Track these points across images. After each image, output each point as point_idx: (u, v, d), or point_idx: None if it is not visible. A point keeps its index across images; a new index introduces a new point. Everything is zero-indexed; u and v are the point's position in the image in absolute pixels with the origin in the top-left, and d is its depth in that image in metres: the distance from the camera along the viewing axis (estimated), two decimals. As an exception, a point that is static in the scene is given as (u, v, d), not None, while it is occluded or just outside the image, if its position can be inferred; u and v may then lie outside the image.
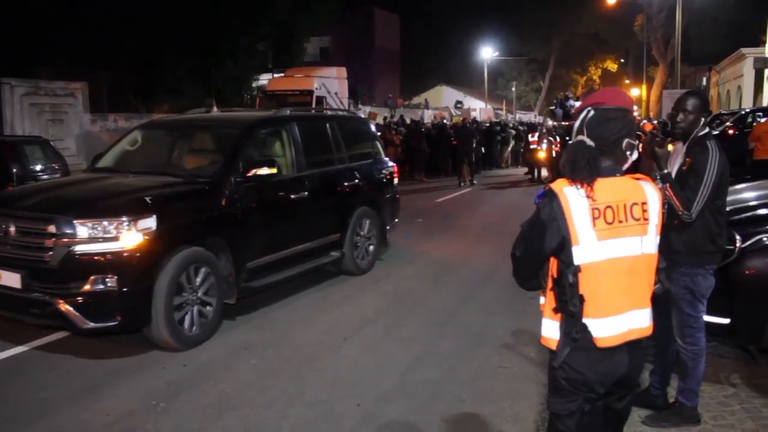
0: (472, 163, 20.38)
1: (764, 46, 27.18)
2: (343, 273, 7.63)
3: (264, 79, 28.69)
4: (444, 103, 46.92)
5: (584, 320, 2.33)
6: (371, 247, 8.07)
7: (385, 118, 27.70)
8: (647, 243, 2.41)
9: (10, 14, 21.21)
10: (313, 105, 21.12)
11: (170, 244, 5.20)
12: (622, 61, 54.49)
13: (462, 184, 19.39)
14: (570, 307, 2.31)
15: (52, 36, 22.34)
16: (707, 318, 3.92)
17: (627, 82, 53.57)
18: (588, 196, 2.31)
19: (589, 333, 2.33)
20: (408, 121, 27.23)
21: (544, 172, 20.02)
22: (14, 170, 10.37)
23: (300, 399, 4.43)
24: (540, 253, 2.39)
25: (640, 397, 4.05)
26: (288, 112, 7.38)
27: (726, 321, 4.40)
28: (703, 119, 3.78)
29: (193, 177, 6.06)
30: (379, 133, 19.20)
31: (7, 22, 21.26)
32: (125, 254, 4.93)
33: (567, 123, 21.22)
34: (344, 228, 7.50)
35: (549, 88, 55.00)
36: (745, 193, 5.71)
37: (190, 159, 6.81)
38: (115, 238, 4.92)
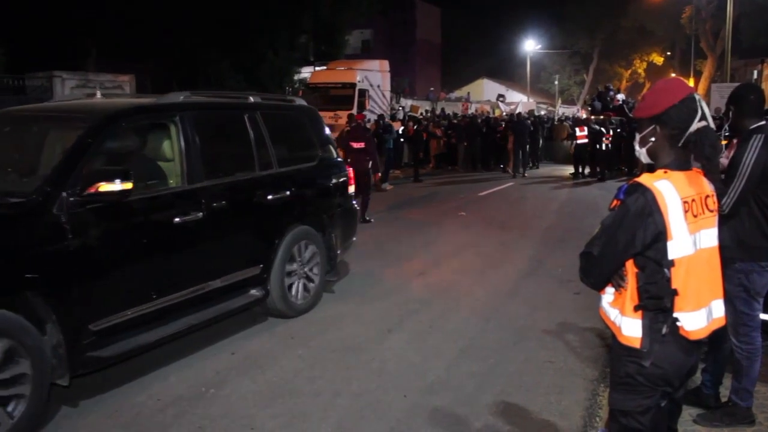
0: (526, 155, 20.44)
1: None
2: (271, 315, 5.92)
3: (306, 72, 28.85)
4: (486, 96, 46.58)
5: (675, 314, 2.32)
6: (315, 278, 6.19)
7: (426, 111, 27.66)
8: (717, 234, 2.45)
9: (58, 7, 21.74)
10: (356, 98, 21.17)
11: None
12: (669, 54, 53.26)
13: (509, 172, 20.02)
14: (665, 302, 2.29)
15: (97, 30, 22.85)
16: (763, 316, 3.84)
17: (673, 75, 52.37)
18: (694, 187, 2.35)
19: (677, 327, 2.33)
20: (450, 113, 27.17)
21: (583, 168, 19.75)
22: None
23: (346, 389, 4.47)
24: (627, 251, 2.32)
25: (691, 395, 3.99)
26: (181, 98, 5.25)
27: (782, 319, 4.30)
28: (732, 110, 3.78)
29: (3, 196, 4.06)
30: (416, 127, 19.51)
31: (53, 15, 21.81)
32: None
33: (603, 116, 20.99)
34: (269, 256, 5.63)
35: (593, 82, 54.08)
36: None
37: (21, 167, 4.81)
38: None
